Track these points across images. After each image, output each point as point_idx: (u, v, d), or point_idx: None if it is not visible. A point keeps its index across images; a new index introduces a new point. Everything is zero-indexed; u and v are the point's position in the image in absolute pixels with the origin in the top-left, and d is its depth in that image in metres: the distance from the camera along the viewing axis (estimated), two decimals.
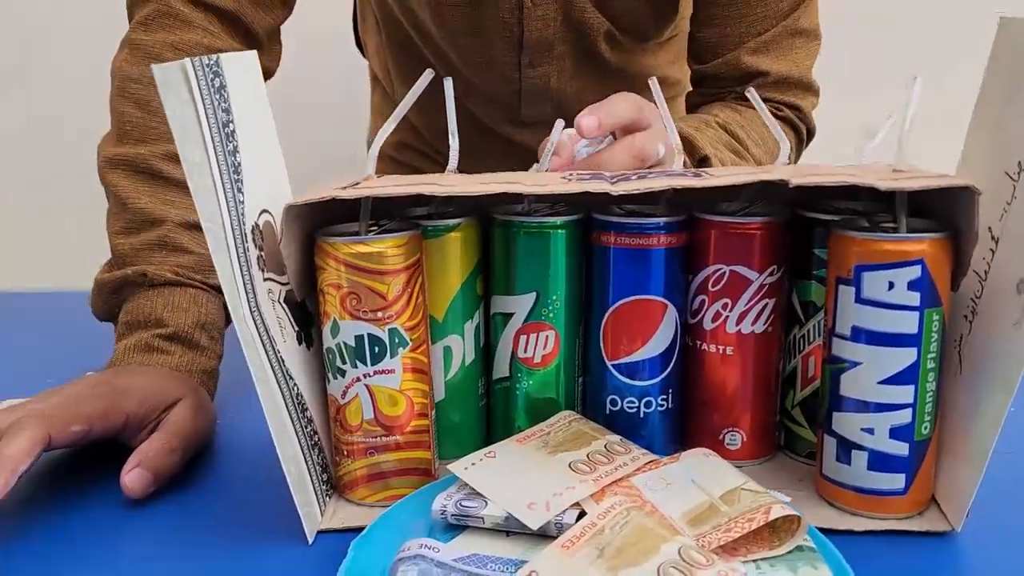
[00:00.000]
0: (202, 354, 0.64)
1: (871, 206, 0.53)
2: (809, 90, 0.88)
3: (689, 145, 0.73)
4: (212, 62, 0.46)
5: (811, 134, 0.90)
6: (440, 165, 0.96)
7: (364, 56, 1.10)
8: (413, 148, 1.02)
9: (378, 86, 1.08)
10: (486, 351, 0.57)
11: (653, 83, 0.56)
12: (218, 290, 0.67)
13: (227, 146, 0.47)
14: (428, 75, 0.53)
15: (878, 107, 0.89)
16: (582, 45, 0.86)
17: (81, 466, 0.59)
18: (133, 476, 0.54)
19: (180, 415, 0.58)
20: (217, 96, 0.46)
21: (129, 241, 0.66)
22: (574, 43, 0.86)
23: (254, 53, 0.52)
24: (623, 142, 0.63)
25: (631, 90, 0.96)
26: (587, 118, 0.60)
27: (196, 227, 0.66)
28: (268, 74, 0.78)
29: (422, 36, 0.89)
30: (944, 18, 1.52)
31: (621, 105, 0.63)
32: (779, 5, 0.82)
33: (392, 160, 1.04)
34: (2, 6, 1.68)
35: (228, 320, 0.69)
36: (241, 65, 0.49)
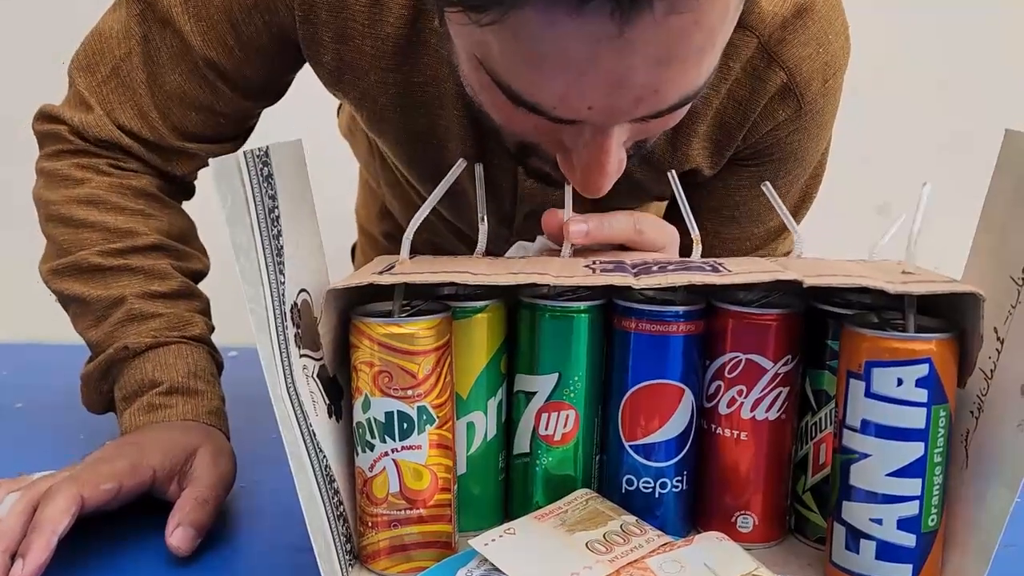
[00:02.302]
0: (202, 398, 0.66)
1: (882, 301, 0.55)
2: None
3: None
4: (262, 152, 0.49)
5: None
6: (441, 238, 0.97)
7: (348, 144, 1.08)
8: (396, 238, 1.00)
9: (364, 172, 1.08)
10: (507, 427, 0.59)
11: (672, 176, 0.58)
12: (197, 340, 0.69)
13: (272, 231, 0.50)
14: (461, 164, 0.56)
15: (895, 182, 0.91)
16: None
17: (112, 527, 0.61)
18: (178, 535, 0.56)
19: (201, 465, 0.61)
20: (265, 184, 0.49)
21: (100, 329, 0.69)
22: None
23: (299, 141, 0.55)
24: (627, 213, 0.61)
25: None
26: (577, 225, 0.58)
27: (156, 296, 0.69)
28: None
29: (411, 186, 0.88)
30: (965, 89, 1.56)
31: (619, 223, 0.60)
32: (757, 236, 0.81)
33: (380, 244, 1.05)
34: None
35: (220, 366, 0.72)
36: (288, 152, 0.52)
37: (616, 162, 0.53)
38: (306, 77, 0.74)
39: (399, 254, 0.56)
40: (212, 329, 0.72)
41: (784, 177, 0.76)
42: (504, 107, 0.51)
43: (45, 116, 0.74)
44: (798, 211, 0.81)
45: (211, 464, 0.61)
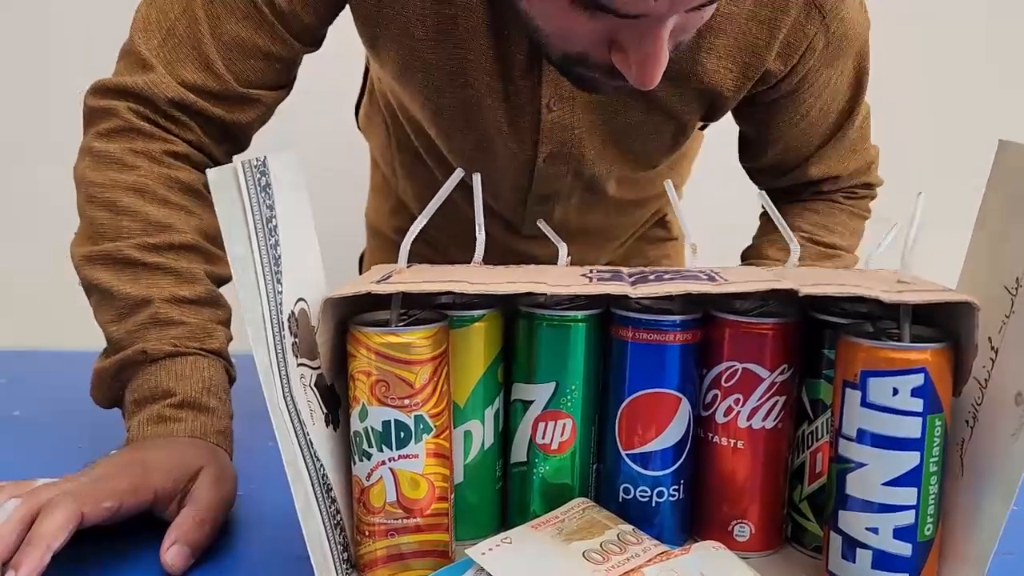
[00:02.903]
0: (213, 416, 0.66)
1: (878, 310, 0.55)
2: (874, 163, 0.91)
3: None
4: (259, 162, 0.49)
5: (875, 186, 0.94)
6: (438, 252, 0.98)
7: (364, 137, 1.12)
8: (419, 238, 1.02)
9: (378, 169, 1.10)
10: (504, 436, 0.59)
11: (668, 186, 0.59)
12: (215, 354, 0.69)
13: (269, 240, 0.50)
14: (459, 174, 0.56)
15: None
16: (588, 188, 0.89)
17: (108, 543, 0.61)
18: (172, 553, 0.56)
19: (203, 486, 0.61)
20: (263, 194, 0.49)
21: (121, 326, 0.68)
22: (580, 190, 0.88)
23: (297, 156, 0.55)
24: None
25: (628, 209, 0.99)
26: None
27: (183, 301, 0.69)
28: None
29: (433, 156, 0.91)
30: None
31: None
32: (827, 120, 0.85)
33: (393, 243, 1.05)
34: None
35: (232, 380, 0.72)
36: (285, 163, 0.53)
37: (666, 54, 0.60)
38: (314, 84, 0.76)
39: (424, 250, 0.56)
40: (230, 340, 0.72)
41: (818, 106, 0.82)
42: (564, 15, 0.59)
43: (101, 90, 0.74)
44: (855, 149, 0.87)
45: (213, 486, 0.61)
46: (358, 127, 1.13)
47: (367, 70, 1.06)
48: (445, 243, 0.98)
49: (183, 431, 0.64)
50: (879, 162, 0.92)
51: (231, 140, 0.78)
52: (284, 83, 0.78)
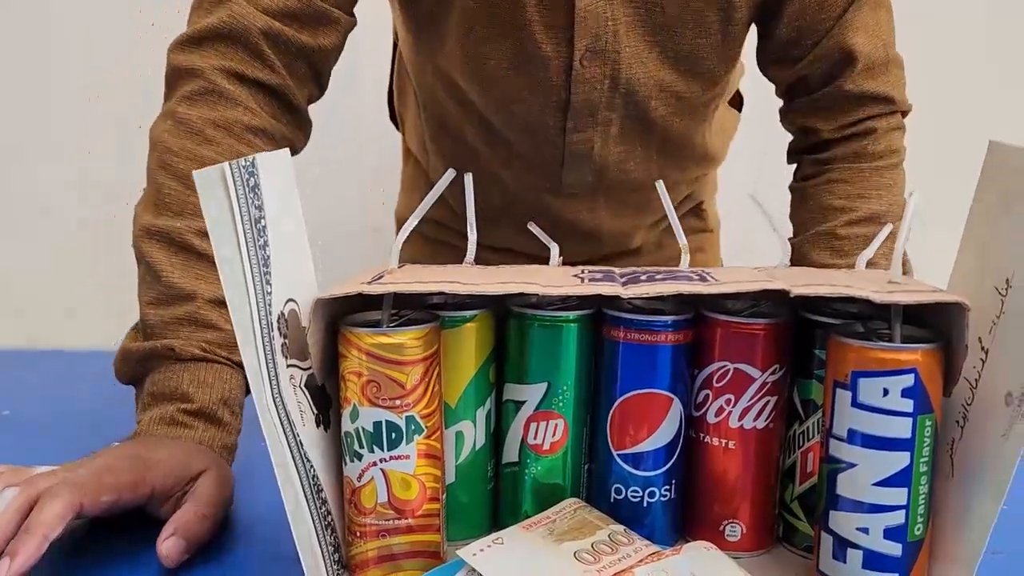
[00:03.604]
0: (223, 430, 0.66)
1: (869, 311, 0.55)
2: (896, 65, 0.88)
3: None
4: (248, 163, 0.49)
5: (905, 115, 0.90)
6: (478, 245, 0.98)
7: (398, 129, 1.13)
8: (449, 228, 1.02)
9: (410, 160, 1.10)
10: (496, 436, 0.59)
11: (660, 186, 0.59)
12: (242, 366, 0.69)
13: (258, 241, 0.50)
14: (450, 174, 0.56)
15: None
16: (629, 109, 0.87)
17: (104, 536, 0.61)
18: (169, 544, 0.56)
19: (207, 485, 0.61)
20: (252, 195, 0.49)
21: (159, 313, 0.68)
22: (621, 108, 0.86)
23: (286, 151, 0.55)
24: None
25: (671, 157, 0.95)
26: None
27: (225, 304, 0.69)
28: (295, 152, 0.80)
29: (464, 109, 0.90)
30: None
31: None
32: None
33: (427, 239, 1.04)
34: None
35: (248, 391, 0.71)
36: (274, 163, 0.53)
37: None
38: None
39: (452, 238, 0.57)
40: None
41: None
42: None
43: (186, 42, 0.74)
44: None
45: (216, 486, 0.61)
46: (392, 119, 1.13)
47: (392, 60, 1.07)
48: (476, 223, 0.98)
49: (191, 438, 0.64)
50: (905, 79, 0.88)
51: (313, 79, 0.79)
52: (351, 7, 0.80)
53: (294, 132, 0.79)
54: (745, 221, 0.78)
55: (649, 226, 1.04)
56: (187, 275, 0.69)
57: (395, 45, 1.07)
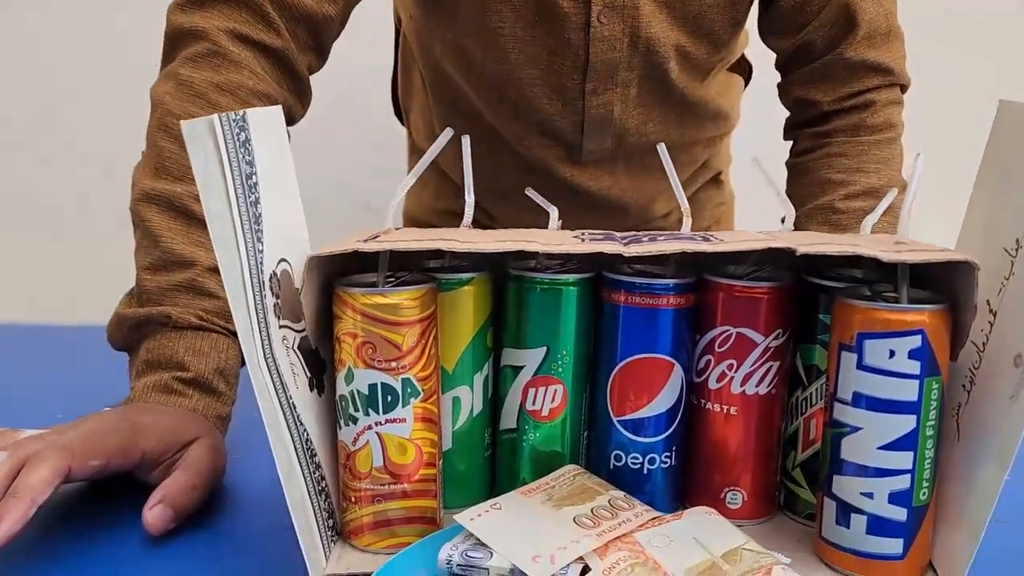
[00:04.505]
0: (218, 399, 0.65)
1: (874, 275, 0.55)
2: (897, 37, 0.87)
3: None
4: (238, 117, 0.48)
5: (904, 89, 0.89)
6: (483, 212, 0.97)
7: (403, 123, 1.11)
8: (456, 214, 1.02)
9: (416, 154, 1.08)
10: (494, 402, 0.58)
11: (661, 148, 0.58)
12: (236, 336, 0.68)
13: (249, 197, 0.48)
14: (448, 132, 0.55)
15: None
16: (648, 70, 0.86)
17: (93, 501, 0.60)
18: (155, 512, 0.55)
19: (199, 453, 0.59)
20: (242, 150, 0.48)
21: (156, 279, 0.67)
22: (640, 68, 0.85)
23: (279, 108, 0.53)
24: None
25: (687, 119, 0.94)
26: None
27: None
28: (293, 121, 0.79)
29: (477, 83, 0.88)
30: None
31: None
32: None
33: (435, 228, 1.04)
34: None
35: (243, 363, 0.70)
36: (266, 119, 0.51)
37: None
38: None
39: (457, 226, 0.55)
40: None
41: None
42: None
43: (185, 3, 0.73)
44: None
45: (208, 455, 0.60)
46: (396, 113, 1.11)
47: (395, 54, 1.05)
48: (491, 203, 0.97)
49: (185, 406, 0.63)
50: (905, 52, 0.88)
51: (315, 48, 0.77)
52: None
53: (295, 100, 0.77)
54: (758, 198, 0.77)
55: (669, 194, 1.03)
56: (186, 241, 0.67)
57: (396, 43, 1.05)
